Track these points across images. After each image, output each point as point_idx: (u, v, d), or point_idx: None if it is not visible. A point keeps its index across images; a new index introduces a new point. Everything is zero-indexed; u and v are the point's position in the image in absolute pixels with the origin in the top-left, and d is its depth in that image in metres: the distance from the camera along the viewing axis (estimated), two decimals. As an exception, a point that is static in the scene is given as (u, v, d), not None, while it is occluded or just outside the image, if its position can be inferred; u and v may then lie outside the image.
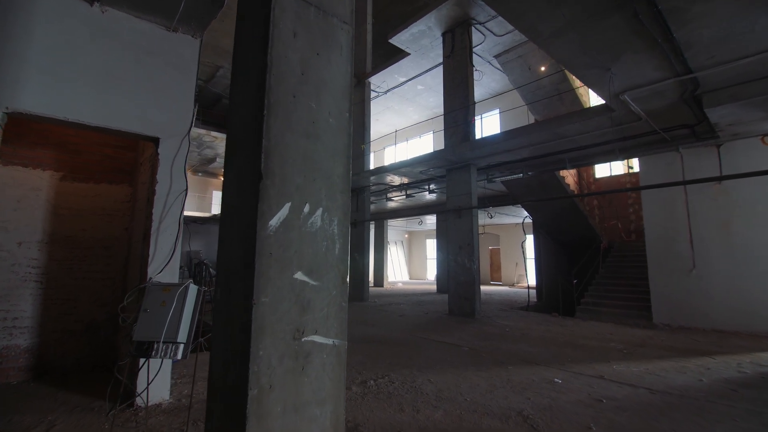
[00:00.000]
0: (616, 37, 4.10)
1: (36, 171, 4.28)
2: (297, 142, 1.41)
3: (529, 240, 14.84)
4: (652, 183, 7.48)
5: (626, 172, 13.89)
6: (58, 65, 3.23)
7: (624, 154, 7.79)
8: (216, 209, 24.14)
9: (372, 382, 4.05)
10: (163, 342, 2.46)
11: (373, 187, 11.76)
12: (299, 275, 1.35)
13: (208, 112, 22.55)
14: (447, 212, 8.98)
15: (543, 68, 10.63)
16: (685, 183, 6.90)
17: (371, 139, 16.64)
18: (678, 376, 4.44)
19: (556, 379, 4.21)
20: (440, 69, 11.76)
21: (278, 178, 1.34)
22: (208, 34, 16.11)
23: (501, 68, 11.57)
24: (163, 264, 3.54)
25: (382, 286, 17.59)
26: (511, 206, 13.39)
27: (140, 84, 3.61)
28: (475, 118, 9.04)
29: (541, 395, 3.70)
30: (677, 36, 4.01)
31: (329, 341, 1.41)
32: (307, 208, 1.40)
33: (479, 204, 8.78)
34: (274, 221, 1.31)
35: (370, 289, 15.45)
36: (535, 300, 11.91)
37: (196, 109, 4.19)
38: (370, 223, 19.79)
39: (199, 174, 26.23)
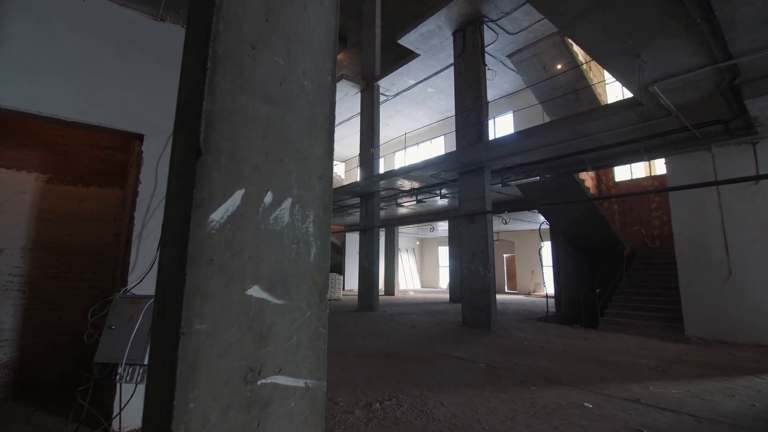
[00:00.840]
0: (649, 18, 3.67)
1: (21, 173, 4.04)
2: (256, 109, 1.04)
3: (546, 247, 14.25)
4: (681, 185, 6.93)
5: (648, 175, 13.26)
6: (33, 56, 2.96)
7: (650, 154, 7.27)
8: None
9: (377, 404, 3.63)
10: (127, 364, 2.11)
11: (382, 193, 11.39)
12: (255, 290, 0.96)
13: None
14: (459, 218, 8.54)
15: (559, 66, 10.18)
16: (718, 183, 6.32)
17: (381, 148, 16.35)
18: (725, 399, 3.91)
19: (585, 403, 3.72)
20: (451, 71, 11.40)
21: (226, 155, 0.97)
22: (218, 41, 16.09)
23: (514, 68, 11.15)
24: (144, 272, 3.20)
25: (393, 294, 17.12)
26: (526, 211, 12.84)
27: (123, 77, 3.32)
28: (488, 119, 8.62)
29: (570, 423, 3.23)
30: (719, 15, 3.56)
31: (299, 383, 1.02)
32: (269, 198, 1.02)
33: (493, 209, 8.32)
34: (218, 215, 0.94)
35: (380, 298, 15.01)
36: (554, 310, 11.30)
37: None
38: (380, 230, 19.42)
39: (210, 182, 26.29)
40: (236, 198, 0.96)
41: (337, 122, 15.71)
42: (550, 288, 11.56)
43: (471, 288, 8.07)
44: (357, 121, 14.51)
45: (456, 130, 8.62)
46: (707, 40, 3.96)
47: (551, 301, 11.65)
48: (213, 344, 0.88)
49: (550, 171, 8.74)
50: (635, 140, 6.69)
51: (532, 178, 9.17)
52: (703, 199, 7.25)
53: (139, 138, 3.35)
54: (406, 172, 9.00)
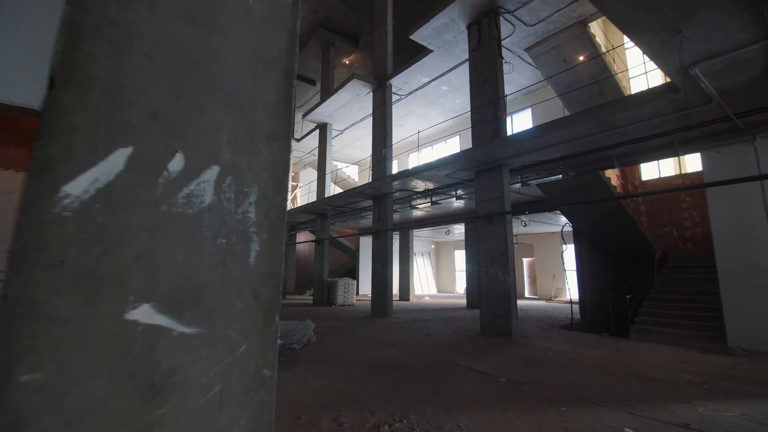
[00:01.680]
0: (694, -15, 3.20)
1: (8, 172, 3.83)
2: (164, 27, 0.66)
3: (569, 250, 13.60)
4: (720, 180, 6.31)
5: (678, 173, 12.48)
6: None
7: (685, 148, 6.67)
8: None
9: (386, 427, 3.22)
10: None
11: (396, 194, 11.00)
12: (144, 313, 0.58)
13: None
14: (477, 219, 8.07)
15: (581, 57, 9.63)
16: (762, 178, 5.70)
17: (394, 149, 15.98)
18: (793, 426, 3.34)
19: (626, 429, 3.22)
20: (466, 67, 10.99)
21: (101, 90, 0.60)
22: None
23: (533, 62, 10.65)
24: None
25: (408, 300, 16.66)
26: (547, 213, 12.25)
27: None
28: (506, 114, 8.15)
29: (612, 456, 2.75)
30: (779, -23, 3.06)
31: (224, 464, 0.63)
32: (177, 164, 0.64)
33: (513, 210, 7.82)
34: (79, 185, 0.57)
35: (394, 303, 14.58)
36: (579, 317, 10.65)
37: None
38: (393, 233, 19.00)
39: (225, 187, 26.40)
40: (116, 160, 0.59)
41: (348, 123, 15.46)
42: (573, 293, 10.92)
43: (490, 294, 7.58)
44: (370, 122, 14.22)
45: (472, 127, 8.18)
46: (760, 9, 3.45)
47: (575, 307, 11.00)
48: (57, 408, 0.50)
49: (573, 169, 8.19)
50: (669, 132, 6.13)
51: (554, 177, 8.63)
52: (747, 196, 6.59)
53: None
54: (420, 172, 8.59)
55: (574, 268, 11.43)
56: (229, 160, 0.70)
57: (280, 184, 0.77)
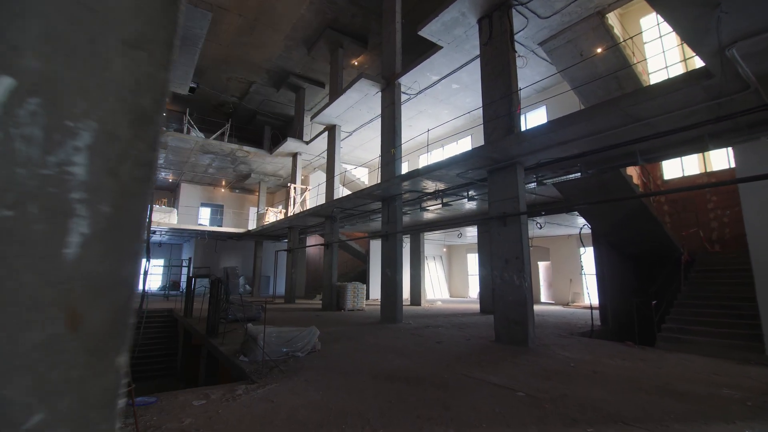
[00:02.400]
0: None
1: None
2: None
3: (586, 253, 13.03)
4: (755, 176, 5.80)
5: (703, 171, 11.84)
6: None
7: (716, 142, 6.17)
8: (252, 225, 24.04)
9: (389, 450, 2.87)
10: None
11: (405, 196, 10.66)
12: None
13: (243, 128, 22.71)
14: (490, 221, 7.68)
15: (599, 50, 9.18)
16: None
17: (404, 150, 15.66)
18: None
19: (666, 456, 2.81)
20: (477, 65, 10.61)
21: None
22: (238, 47, 16.10)
23: (547, 57, 10.23)
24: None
25: (419, 305, 16.24)
26: (563, 214, 11.74)
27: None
28: (520, 113, 7.76)
29: (652, 492, 2.34)
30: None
31: None
32: None
33: (528, 210, 7.40)
34: None
35: (405, 308, 14.20)
36: (599, 324, 10.11)
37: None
38: (404, 237, 18.64)
39: (236, 191, 26.48)
40: None
41: (357, 125, 15.21)
42: (592, 298, 10.37)
43: (504, 299, 7.16)
44: (379, 123, 13.96)
45: (484, 123, 7.81)
46: (814, -23, 3.03)
47: (596, 313, 10.46)
48: None
49: (593, 166, 7.73)
50: (699, 124, 5.65)
51: (572, 176, 8.18)
52: (786, 193, 6.07)
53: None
54: (430, 172, 8.24)
55: (594, 271, 10.89)
56: (38, 70, 0.37)
57: (145, 123, 0.46)
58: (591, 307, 9.39)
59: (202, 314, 10.31)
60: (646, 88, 4.96)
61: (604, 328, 9.96)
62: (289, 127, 21.56)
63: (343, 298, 13.49)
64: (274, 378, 4.83)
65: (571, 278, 17.37)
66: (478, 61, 10.47)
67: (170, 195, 25.94)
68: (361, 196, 10.85)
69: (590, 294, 9.98)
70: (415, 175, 8.69)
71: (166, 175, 23.22)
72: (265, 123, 22.34)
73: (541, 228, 12.64)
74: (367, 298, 18.66)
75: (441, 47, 9.84)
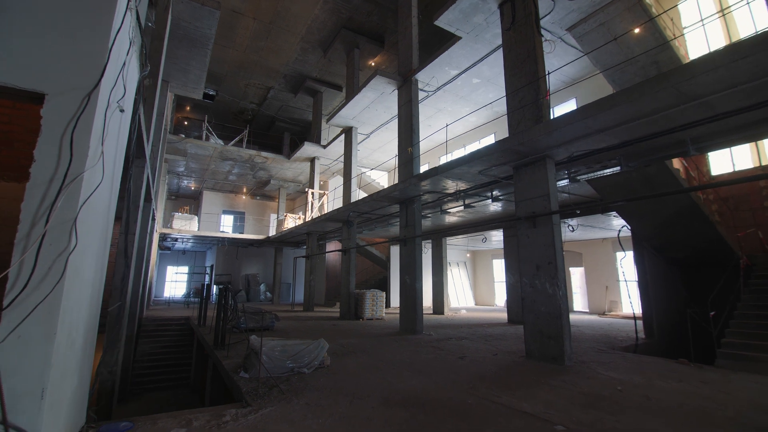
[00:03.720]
0: None
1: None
2: None
3: (622, 258, 11.97)
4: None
5: (758, 164, 10.59)
6: None
7: (787, 124, 5.22)
8: (272, 232, 23.91)
9: None
10: None
11: (425, 197, 9.99)
12: None
13: (263, 135, 22.68)
14: (517, 222, 6.91)
15: (637, 30, 8.28)
16: None
17: (423, 151, 15.02)
18: None
19: None
20: (499, 56, 9.93)
21: None
22: (255, 52, 15.99)
23: (576, 45, 9.39)
24: (37, 299, 2.14)
25: (442, 313, 15.43)
26: (598, 215, 10.75)
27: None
28: (549, 99, 6.99)
29: None
30: None
31: None
32: None
33: (560, 210, 6.59)
34: None
35: (428, 317, 13.45)
36: (643, 336, 9.07)
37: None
38: (425, 242, 17.89)
39: (257, 197, 26.50)
40: None
41: (374, 126, 14.70)
42: (632, 307, 9.31)
43: (535, 310, 6.36)
44: (396, 124, 13.43)
45: (508, 114, 7.09)
46: None
47: (638, 323, 9.40)
48: None
49: (634, 159, 6.85)
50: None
51: (609, 170, 7.30)
52: None
53: (37, 98, 2.34)
54: (449, 169, 7.56)
55: (635, 278, 9.84)
56: None
57: None
58: (634, 318, 8.40)
59: (236, 321, 9.94)
60: (706, 55, 4.15)
61: (649, 341, 8.92)
62: (308, 133, 21.33)
63: (362, 307, 12.89)
64: (271, 400, 4.26)
65: (607, 285, 16.12)
66: (500, 53, 9.78)
67: (194, 203, 26.24)
68: (378, 198, 10.26)
69: (632, 303, 8.95)
70: (434, 173, 8.03)
71: (189, 183, 23.46)
72: (284, 129, 22.23)
73: (573, 231, 11.66)
74: (388, 306, 18.00)
75: (459, 38, 9.19)
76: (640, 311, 9.43)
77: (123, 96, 3.13)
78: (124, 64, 3.02)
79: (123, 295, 3.68)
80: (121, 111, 2.96)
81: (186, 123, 21.82)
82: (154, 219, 13.48)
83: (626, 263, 12.60)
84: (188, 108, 21.29)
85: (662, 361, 6.56)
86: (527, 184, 6.83)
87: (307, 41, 14.86)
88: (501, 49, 9.49)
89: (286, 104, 19.87)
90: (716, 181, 10.75)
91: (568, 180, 7.62)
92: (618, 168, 7.12)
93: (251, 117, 21.36)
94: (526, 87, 6.76)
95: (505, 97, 7.55)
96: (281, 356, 5.44)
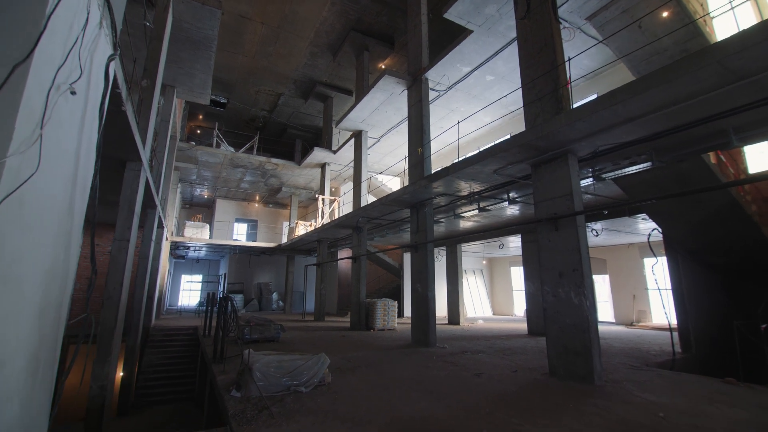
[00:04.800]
0: None
1: None
2: None
3: (657, 264, 11.14)
4: None
5: (802, 161, 9.66)
6: None
7: None
8: (284, 239, 23.66)
9: None
10: None
11: (437, 200, 9.44)
12: None
13: (275, 142, 22.58)
14: (537, 225, 6.30)
15: (665, 14, 7.63)
16: None
17: (435, 156, 14.50)
18: None
19: None
20: (513, 50, 9.39)
21: None
22: (264, 58, 15.86)
23: (597, 35, 8.77)
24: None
25: (458, 323, 14.73)
26: (625, 218, 9.99)
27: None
28: (570, 87, 6.39)
29: None
30: None
31: None
32: None
33: (586, 210, 5.95)
34: None
35: (441, 328, 12.79)
36: (680, 351, 8.24)
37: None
38: (439, 248, 17.26)
39: (270, 205, 26.38)
40: None
41: (385, 129, 14.30)
42: (660, 318, 8.46)
43: (559, 322, 5.71)
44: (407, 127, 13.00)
45: (524, 107, 6.53)
46: None
47: (671, 336, 8.56)
48: None
49: (667, 153, 6.17)
50: (831, 82, 4.07)
51: (638, 166, 6.63)
52: None
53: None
54: (462, 168, 7.02)
55: (669, 286, 9.02)
56: None
57: None
58: (670, 329, 7.61)
59: (236, 332, 9.55)
60: (763, 23, 3.53)
61: (686, 356, 8.09)
62: (320, 139, 21.11)
63: (373, 317, 12.34)
64: (258, 425, 3.77)
65: (635, 294, 15.13)
66: (514, 47, 9.24)
67: (207, 211, 26.30)
68: (387, 202, 9.77)
69: (666, 313, 8.14)
70: (445, 174, 7.50)
71: (202, 192, 23.50)
72: (296, 136, 22.08)
73: (597, 236, 10.87)
74: (402, 315, 17.39)
75: (471, 31, 8.71)
76: (676, 322, 8.60)
77: (79, 78, 2.75)
78: (78, 40, 2.64)
79: (87, 306, 3.28)
80: (73, 93, 2.57)
81: (199, 132, 21.92)
82: (162, 227, 13.32)
83: (657, 270, 11.70)
84: (201, 117, 21.38)
85: (705, 380, 5.80)
86: (547, 183, 6.23)
87: (315, 45, 14.62)
88: (515, 42, 8.97)
89: (297, 110, 19.70)
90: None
91: (592, 178, 6.97)
92: (648, 164, 6.45)
93: (262, 124, 21.29)
94: (543, 77, 6.19)
95: (521, 94, 7.01)
96: (277, 373, 4.95)
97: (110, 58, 3.27)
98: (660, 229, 8.64)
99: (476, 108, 12.18)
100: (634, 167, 6.76)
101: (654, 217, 8.16)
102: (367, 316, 12.56)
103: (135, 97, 10.64)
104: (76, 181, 3.13)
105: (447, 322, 15.35)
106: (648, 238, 8.46)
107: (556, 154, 6.03)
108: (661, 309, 13.72)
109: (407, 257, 17.77)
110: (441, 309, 17.58)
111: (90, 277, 3.38)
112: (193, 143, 16.92)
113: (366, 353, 7.91)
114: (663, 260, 9.19)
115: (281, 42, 14.48)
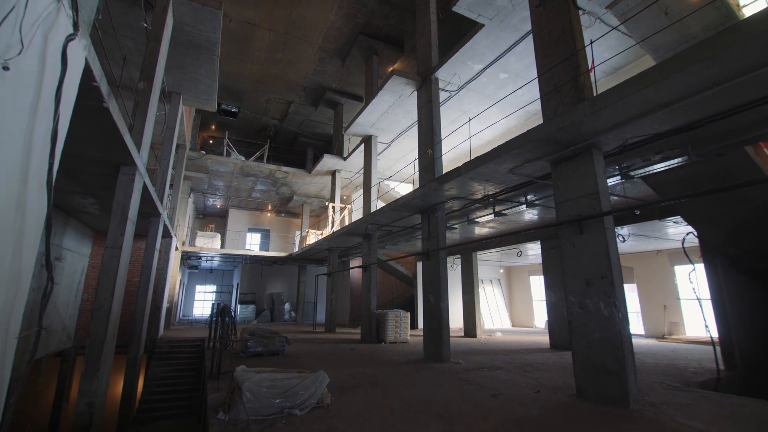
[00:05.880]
0: None
1: None
2: None
3: (694, 271, 10.23)
4: None
5: None
6: None
7: None
8: (296, 249, 23.36)
9: None
10: None
11: (448, 204, 8.90)
12: None
13: (286, 150, 22.45)
14: (559, 228, 5.70)
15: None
16: None
17: (446, 160, 14.00)
18: None
19: None
20: (528, 44, 8.88)
21: None
22: (273, 65, 15.74)
23: (619, 25, 8.17)
24: None
25: (475, 336, 13.99)
26: (654, 221, 9.22)
27: None
28: (593, 72, 5.81)
29: None
30: None
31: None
32: None
33: (615, 210, 5.31)
34: None
35: (457, 341, 12.11)
36: (723, 368, 7.40)
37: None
38: (453, 256, 16.59)
39: (282, 215, 26.21)
40: None
41: (395, 134, 13.90)
42: (695, 330, 7.62)
43: (587, 336, 5.06)
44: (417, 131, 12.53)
45: (541, 99, 5.98)
46: None
47: (715, 351, 7.71)
48: None
49: (705, 145, 5.52)
50: None
51: (672, 162, 5.98)
52: None
53: None
54: (475, 167, 6.48)
55: (707, 295, 8.19)
56: None
57: None
58: (713, 344, 6.82)
59: (236, 344, 9.16)
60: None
61: (730, 374, 7.24)
62: (331, 147, 20.88)
63: (384, 329, 11.77)
64: (240, 457, 3.28)
65: (666, 304, 14.12)
66: (528, 42, 8.74)
67: (221, 221, 26.29)
68: (397, 207, 9.28)
69: (707, 326, 7.33)
70: (456, 175, 6.98)
71: (214, 201, 23.49)
72: (307, 145, 21.91)
73: (624, 241, 10.10)
74: (416, 327, 16.74)
75: (482, 25, 8.25)
76: (717, 335, 7.76)
77: (19, 54, 2.38)
78: (14, 8, 2.27)
79: (41, 319, 2.89)
80: (5, 69, 2.21)
81: (211, 142, 21.97)
82: (170, 236, 13.13)
83: (693, 278, 10.82)
84: (213, 127, 21.45)
85: (760, 404, 5.03)
86: (570, 181, 5.64)
87: (324, 50, 14.41)
88: (530, 36, 8.46)
89: (308, 118, 19.53)
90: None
91: (619, 176, 6.33)
92: (683, 159, 5.80)
93: (273, 133, 21.20)
94: (562, 64, 5.65)
95: (537, 93, 6.46)
96: (269, 393, 4.46)
97: (69, 38, 2.91)
98: (696, 233, 7.88)
99: (491, 108, 11.63)
100: (666, 163, 6.12)
101: (689, 219, 7.42)
102: (378, 328, 11.99)
103: (126, 99, 10.51)
104: (28, 174, 2.75)
105: (463, 334, 14.63)
106: (682, 243, 7.72)
107: (578, 149, 5.45)
108: (701, 321, 12.71)
109: (421, 266, 17.18)
110: (456, 321, 16.86)
111: (45, 285, 2.99)
112: (203, 152, 16.85)
113: (373, 369, 7.35)
114: (699, 267, 8.37)
115: (289, 48, 14.32)
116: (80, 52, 3.47)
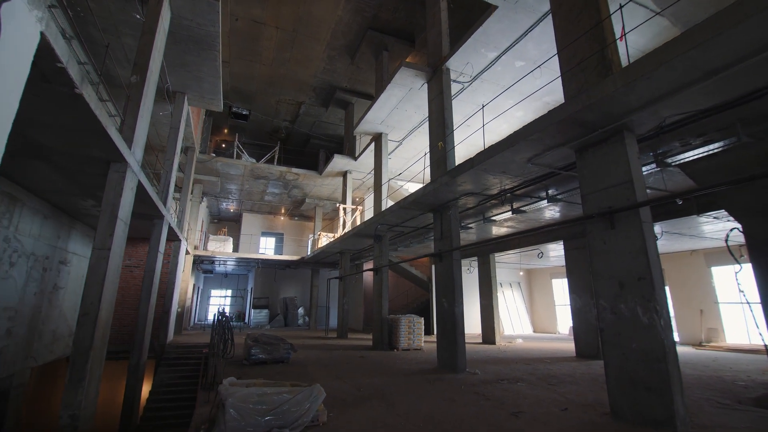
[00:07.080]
0: None
1: None
2: None
3: (741, 271, 9.24)
4: None
5: None
6: None
7: None
8: (309, 251, 23.02)
9: None
10: None
11: (462, 201, 8.28)
12: None
13: (299, 152, 22.20)
14: (587, 223, 5.04)
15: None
16: None
17: (461, 156, 13.36)
18: None
19: None
20: (546, 27, 8.22)
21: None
22: (282, 65, 15.47)
23: (647, 3, 7.44)
24: None
25: (494, 342, 13.22)
26: (693, 216, 8.36)
27: None
28: (624, 40, 5.14)
29: None
30: None
31: None
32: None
33: (652, 200, 4.62)
34: None
35: (474, 348, 11.41)
36: (779, 381, 6.50)
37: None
38: (470, 259, 15.85)
39: (295, 218, 25.96)
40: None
41: (405, 131, 13.36)
42: (736, 337, 6.72)
43: (622, 346, 4.37)
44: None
45: (562, 79, 5.34)
46: None
47: (750, 358, 6.82)
48: None
49: (756, 125, 4.77)
50: None
51: (715, 145, 5.24)
52: None
53: None
54: (489, 158, 5.86)
55: (756, 299, 7.28)
56: None
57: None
58: None
59: (233, 352, 8.76)
60: None
61: (788, 388, 6.34)
62: (342, 148, 20.51)
63: (396, 335, 11.18)
64: (209, 491, 2.76)
65: (702, 309, 13.04)
66: (546, 25, 8.09)
67: (234, 225, 26.24)
68: (407, 206, 8.72)
69: (761, 334, 6.46)
70: (469, 167, 6.37)
71: (228, 205, 23.42)
72: (319, 146, 21.60)
73: (657, 239, 9.23)
74: (431, 333, 16.05)
75: (496, 7, 7.64)
76: (765, 344, 6.85)
77: None
78: None
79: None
80: None
81: (224, 145, 21.92)
82: (179, 239, 12.91)
83: (731, 279, 9.83)
84: (226, 131, 21.39)
85: (836, 428, 4.22)
86: (598, 169, 4.97)
87: (333, 48, 14.03)
88: (548, 17, 7.81)
89: (319, 119, 19.21)
90: None
91: (654, 164, 5.61)
92: (731, 140, 5.06)
93: (285, 135, 20.98)
94: (586, 37, 5.00)
95: (558, 83, 5.83)
96: (256, 410, 3.96)
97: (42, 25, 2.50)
98: (741, 229, 7.00)
99: (506, 100, 10.95)
100: (707, 147, 5.38)
101: (735, 213, 6.58)
102: (390, 334, 11.41)
103: (112, 92, 10.28)
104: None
105: (481, 341, 13.87)
106: (726, 240, 6.86)
107: (608, 132, 4.78)
108: (744, 327, 11.63)
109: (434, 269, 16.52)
110: (474, 326, 16.11)
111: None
112: (213, 155, 16.69)
113: (382, 380, 6.77)
114: (745, 267, 7.47)
115: (297, 46, 13.99)
116: (32, 24, 3.07)
